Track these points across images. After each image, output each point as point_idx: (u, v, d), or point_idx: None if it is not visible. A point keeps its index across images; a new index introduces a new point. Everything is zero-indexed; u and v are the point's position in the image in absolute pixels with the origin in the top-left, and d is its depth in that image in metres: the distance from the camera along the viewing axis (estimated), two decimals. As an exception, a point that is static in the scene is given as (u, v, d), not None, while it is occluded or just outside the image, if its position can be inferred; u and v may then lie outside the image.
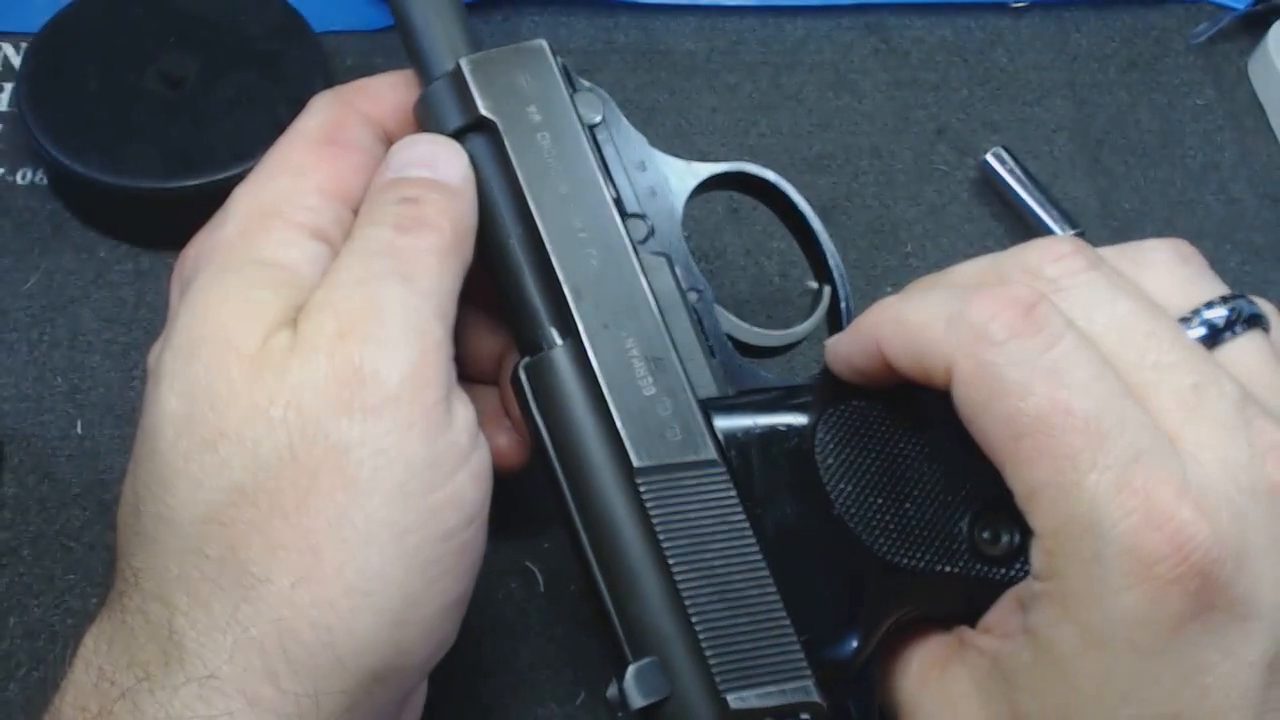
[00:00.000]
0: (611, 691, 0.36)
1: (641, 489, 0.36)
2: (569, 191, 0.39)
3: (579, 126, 0.41)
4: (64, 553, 0.49)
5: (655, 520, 0.36)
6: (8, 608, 0.48)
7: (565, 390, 0.38)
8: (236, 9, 0.59)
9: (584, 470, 0.37)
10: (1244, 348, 0.35)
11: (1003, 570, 0.36)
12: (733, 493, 0.37)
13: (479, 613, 0.48)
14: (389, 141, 0.41)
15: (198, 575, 0.32)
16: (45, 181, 0.58)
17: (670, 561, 0.35)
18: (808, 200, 0.45)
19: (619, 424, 0.37)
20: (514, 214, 0.39)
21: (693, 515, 0.36)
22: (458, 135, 0.40)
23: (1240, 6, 0.66)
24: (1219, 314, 0.35)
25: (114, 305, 0.55)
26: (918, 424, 0.38)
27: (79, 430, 0.52)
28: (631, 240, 0.40)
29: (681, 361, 0.38)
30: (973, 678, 0.35)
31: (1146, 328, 0.34)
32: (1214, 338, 0.35)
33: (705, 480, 0.37)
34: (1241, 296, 0.36)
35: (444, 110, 0.41)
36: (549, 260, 0.38)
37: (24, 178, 0.58)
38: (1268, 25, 0.64)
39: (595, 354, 0.37)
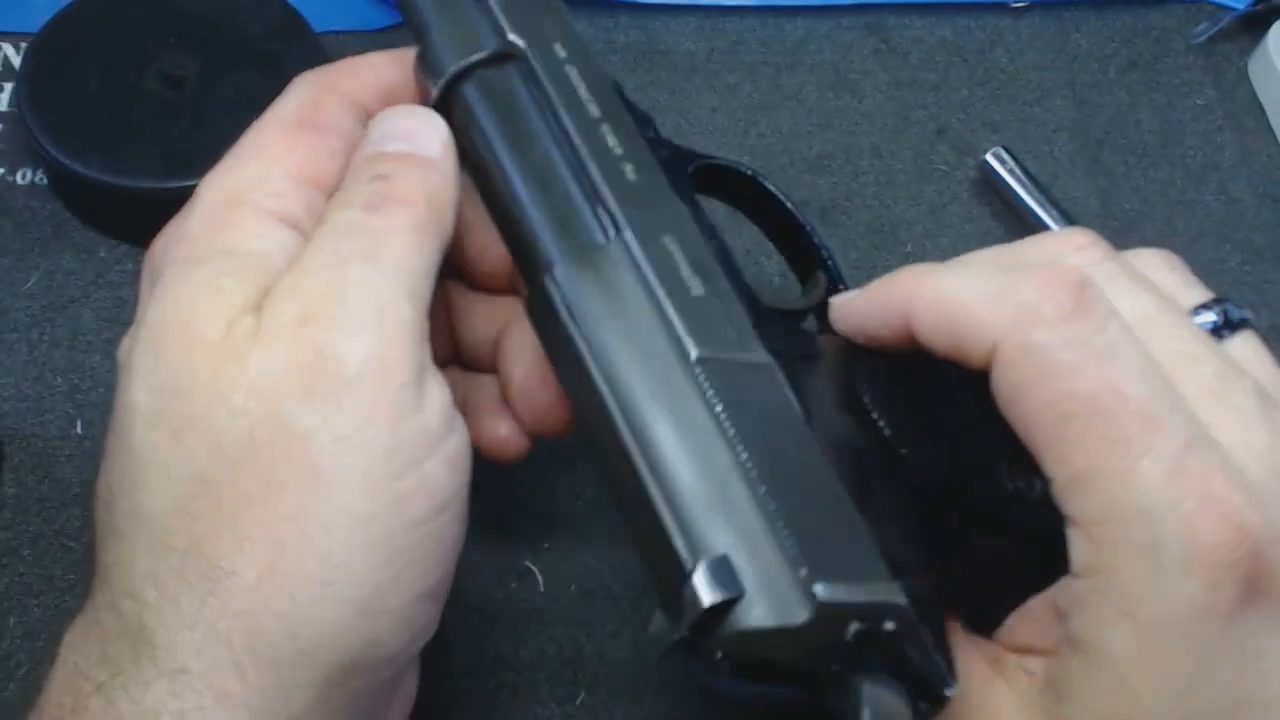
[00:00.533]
0: (656, 623, 0.32)
1: (701, 378, 0.34)
2: (600, 115, 0.39)
3: (601, 69, 0.41)
4: (64, 553, 0.49)
5: (720, 409, 0.33)
6: (8, 608, 0.48)
7: (613, 285, 0.36)
8: (237, 9, 0.59)
9: (632, 369, 0.34)
10: (1241, 346, 0.35)
11: (1039, 517, 0.34)
12: (791, 396, 0.35)
13: (479, 613, 0.48)
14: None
15: (165, 569, 0.32)
16: (45, 181, 0.58)
17: (739, 449, 0.33)
18: (808, 200, 0.45)
19: (673, 315, 0.35)
20: (550, 133, 0.39)
21: (755, 409, 0.34)
22: (474, 68, 0.39)
23: (1240, 6, 0.66)
24: (1212, 316, 0.36)
25: (114, 305, 0.55)
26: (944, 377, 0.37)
27: (79, 430, 0.52)
28: (662, 163, 0.39)
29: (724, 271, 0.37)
30: (1016, 697, 0.34)
31: (1170, 319, 0.34)
32: (1215, 335, 0.35)
33: (763, 379, 0.35)
34: (1229, 300, 0.36)
35: (463, 44, 0.39)
36: (587, 170, 0.38)
37: (24, 178, 0.58)
38: (1268, 25, 0.64)
39: (644, 250, 0.36)
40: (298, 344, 0.33)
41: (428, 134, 0.38)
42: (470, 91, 0.39)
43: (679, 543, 0.32)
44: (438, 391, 0.34)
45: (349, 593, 0.32)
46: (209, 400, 0.33)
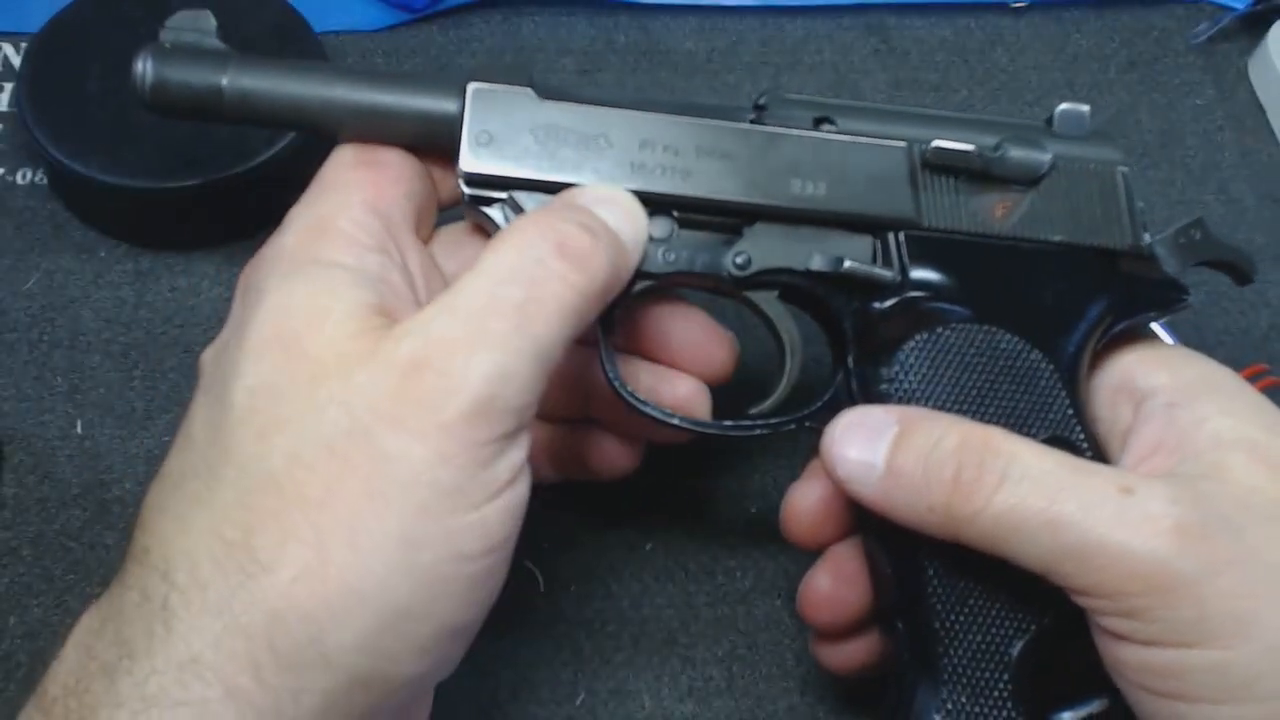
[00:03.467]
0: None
1: None
2: None
3: None
4: (64, 552, 0.49)
5: None
6: (8, 608, 0.48)
7: None
8: (237, 9, 0.59)
9: None
10: None
11: None
12: None
13: (479, 613, 0.48)
14: (420, 162, 0.41)
15: (206, 555, 0.33)
16: (45, 181, 0.58)
17: None
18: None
19: None
20: None
21: None
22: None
23: (1240, 6, 0.66)
24: None
25: (114, 305, 0.55)
26: None
27: (79, 430, 0.52)
28: None
29: None
30: None
31: None
32: None
33: None
34: None
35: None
36: None
37: (24, 178, 0.58)
38: (1268, 25, 0.64)
39: None
40: (408, 379, 0.34)
41: (634, 224, 0.39)
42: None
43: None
44: (518, 450, 0.35)
45: (381, 609, 0.33)
46: (302, 407, 0.34)
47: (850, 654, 0.44)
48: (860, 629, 0.43)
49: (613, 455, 0.46)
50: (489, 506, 0.34)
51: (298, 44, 0.58)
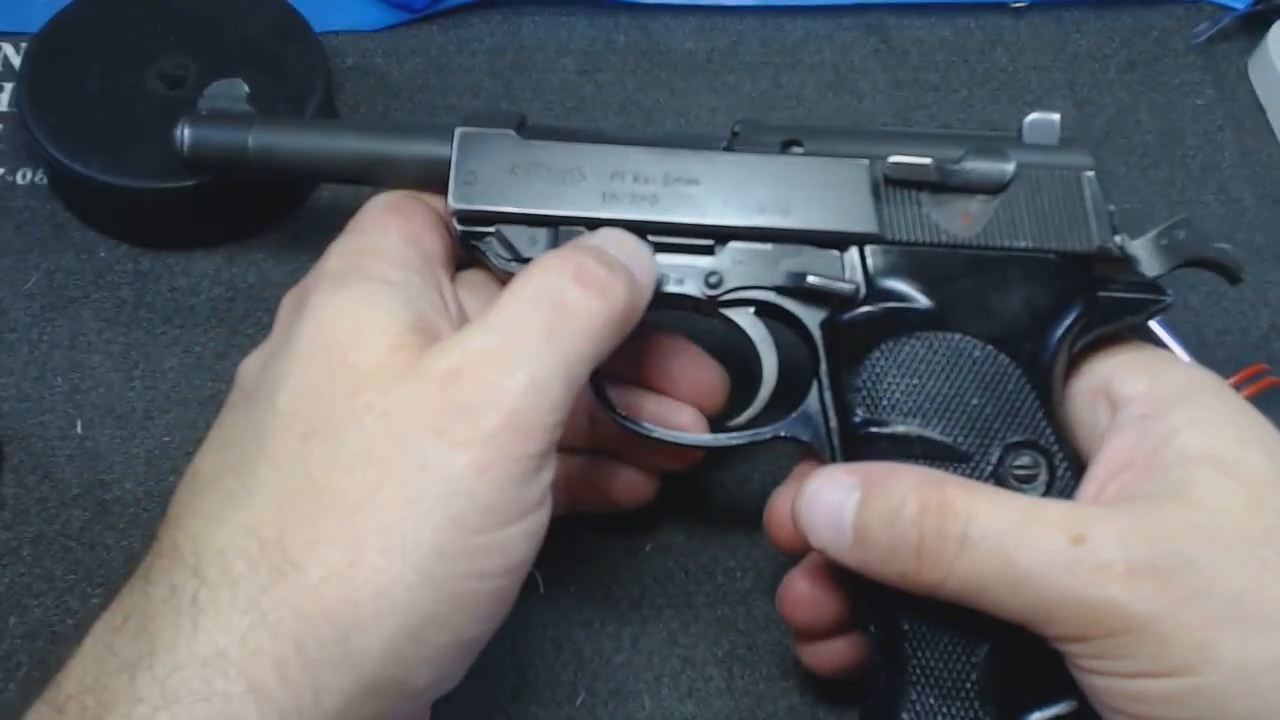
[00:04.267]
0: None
1: None
2: None
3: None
4: (64, 553, 0.49)
5: None
6: (8, 608, 0.48)
7: None
8: (236, 9, 0.59)
9: None
10: None
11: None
12: None
13: (479, 613, 0.48)
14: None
15: (239, 553, 0.34)
16: (45, 181, 0.58)
17: None
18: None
19: None
20: None
21: None
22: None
23: (1240, 6, 0.66)
24: None
25: (114, 305, 0.55)
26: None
27: (79, 430, 0.52)
28: None
29: None
30: None
31: None
32: None
33: None
34: None
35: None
36: None
37: (24, 178, 0.58)
38: (1268, 25, 0.64)
39: None
40: (447, 389, 0.35)
41: (642, 260, 0.41)
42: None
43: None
44: (548, 474, 0.36)
45: (407, 617, 0.34)
46: (344, 415, 0.35)
47: (830, 654, 0.45)
48: (840, 630, 0.44)
49: (628, 482, 0.48)
50: (516, 527, 0.35)
51: (298, 44, 0.58)
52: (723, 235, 0.43)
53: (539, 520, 0.36)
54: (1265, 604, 0.34)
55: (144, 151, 0.54)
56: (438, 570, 0.34)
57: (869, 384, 0.41)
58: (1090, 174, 0.43)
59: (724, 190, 0.42)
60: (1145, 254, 0.43)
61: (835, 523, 0.38)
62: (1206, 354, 0.54)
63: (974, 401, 0.40)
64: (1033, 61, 0.65)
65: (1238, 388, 0.49)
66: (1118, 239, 0.42)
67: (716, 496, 0.52)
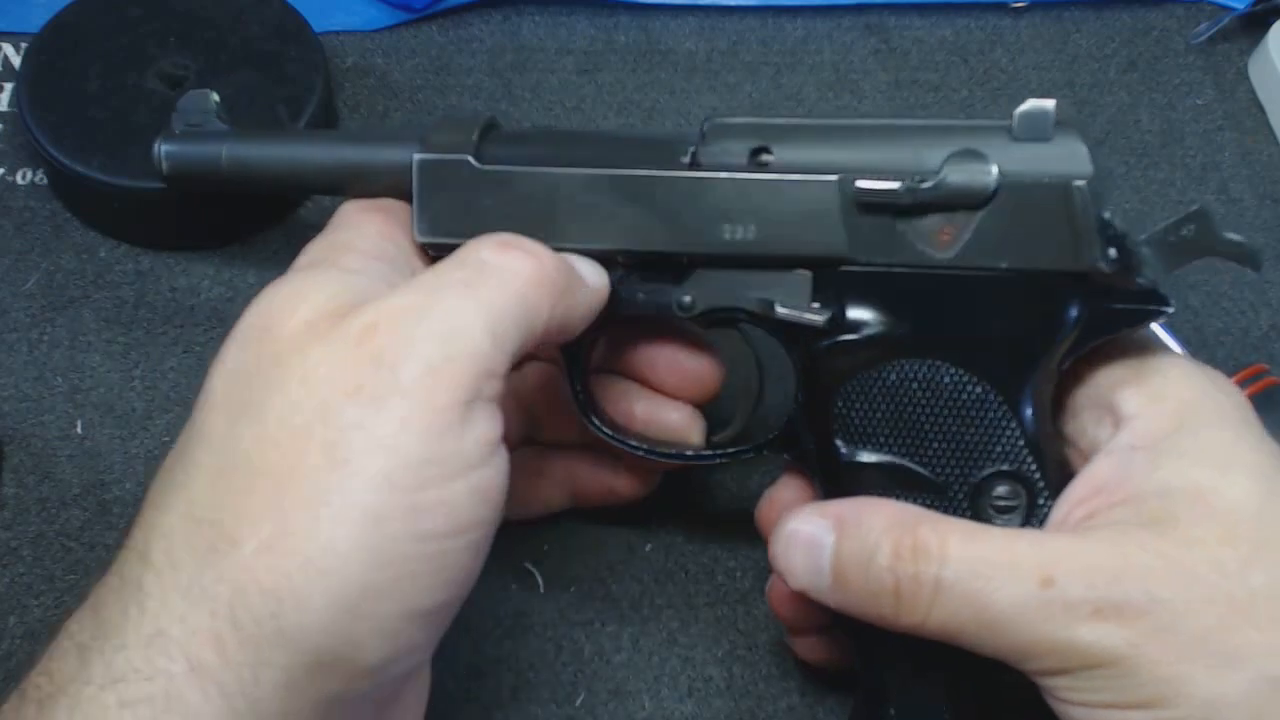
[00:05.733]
0: None
1: None
2: None
3: None
4: (64, 553, 0.49)
5: None
6: (8, 608, 0.48)
7: None
8: (236, 9, 0.59)
9: None
10: None
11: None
12: None
13: (479, 613, 0.48)
14: None
15: (180, 535, 0.34)
16: (45, 181, 0.58)
17: None
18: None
19: None
20: None
21: None
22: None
23: (1240, 6, 0.66)
24: None
25: (114, 305, 0.55)
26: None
27: (79, 430, 0.52)
28: None
29: None
30: None
31: None
32: None
33: None
34: None
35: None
36: None
37: (24, 178, 0.58)
38: (1268, 25, 0.64)
39: None
40: (361, 346, 0.35)
41: (588, 267, 0.41)
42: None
43: None
44: (484, 424, 0.36)
45: (342, 586, 0.33)
46: (267, 386, 0.35)
47: (822, 646, 0.45)
48: (829, 624, 0.44)
49: (629, 474, 0.48)
50: (457, 484, 0.34)
51: (297, 44, 0.58)
52: (688, 261, 0.41)
53: (486, 479, 0.35)
54: (1233, 641, 0.34)
55: (144, 151, 0.53)
56: (372, 535, 0.33)
57: (844, 412, 0.40)
58: (1080, 183, 0.38)
59: (689, 214, 0.41)
60: (1152, 253, 0.39)
61: (813, 566, 0.38)
62: (1207, 354, 0.54)
63: (953, 430, 0.39)
64: (1033, 61, 0.65)
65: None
66: (1112, 252, 0.39)
67: (716, 496, 0.52)
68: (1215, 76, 0.65)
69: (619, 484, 0.48)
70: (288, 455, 0.34)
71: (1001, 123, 0.40)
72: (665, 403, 0.46)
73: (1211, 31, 0.66)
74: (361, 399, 0.34)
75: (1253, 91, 0.65)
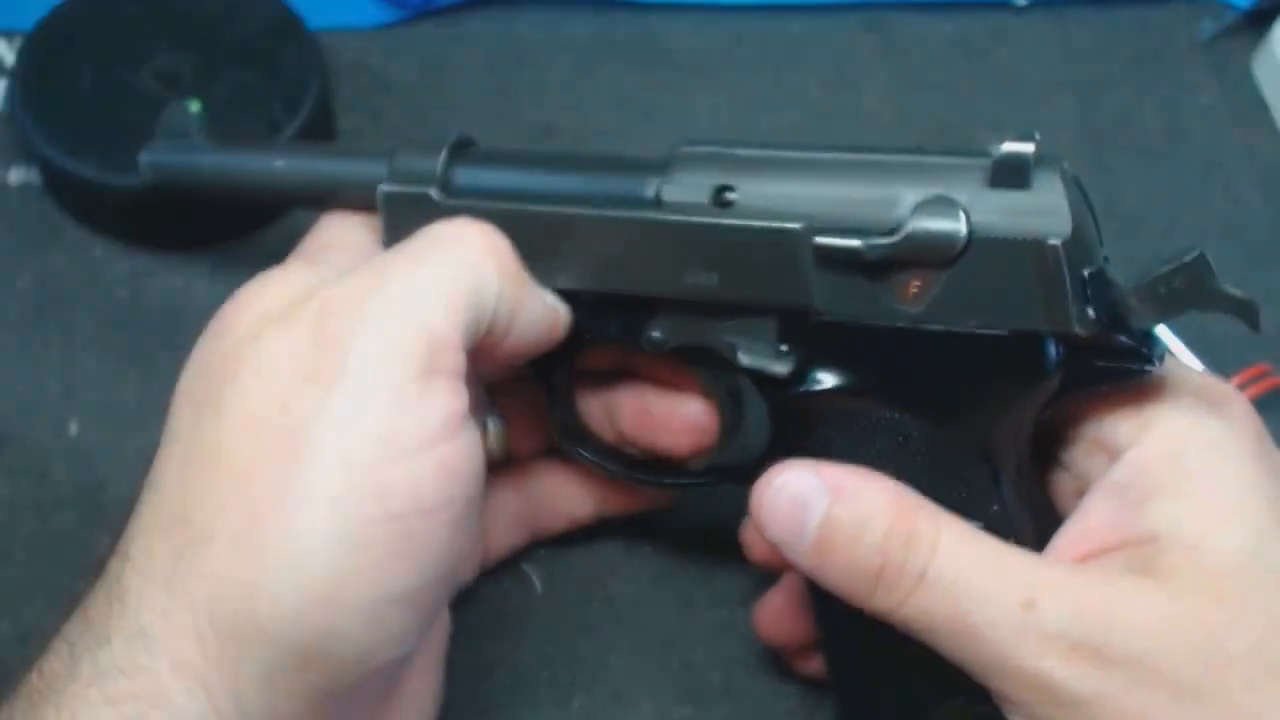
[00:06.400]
0: None
1: None
2: None
3: None
4: (58, 555, 0.49)
5: None
6: (0, 611, 0.47)
7: None
8: (232, 7, 0.59)
9: None
10: None
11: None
12: None
13: (478, 614, 0.48)
14: None
15: (158, 532, 0.34)
16: (39, 181, 0.58)
17: None
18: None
19: None
20: None
21: None
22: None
23: (1244, 4, 0.66)
24: None
25: (109, 305, 0.54)
26: None
27: (73, 431, 0.51)
28: None
29: None
30: None
31: None
32: None
33: None
34: None
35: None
36: None
37: (18, 176, 0.58)
38: (1272, 22, 0.64)
39: None
40: (314, 331, 0.35)
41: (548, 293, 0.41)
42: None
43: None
44: (445, 398, 0.35)
45: (314, 576, 0.33)
46: (224, 379, 0.35)
47: (818, 661, 0.45)
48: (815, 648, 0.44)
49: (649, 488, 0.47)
50: (422, 460, 0.34)
51: (293, 42, 0.58)
52: (651, 305, 0.41)
53: (452, 454, 0.35)
54: (1207, 702, 0.33)
55: (139, 150, 0.54)
56: (340, 520, 0.33)
57: (817, 455, 0.38)
58: (1055, 242, 0.35)
59: (650, 258, 0.39)
60: (1140, 304, 0.35)
61: (797, 523, 0.37)
62: (1210, 354, 0.54)
63: (922, 486, 0.37)
64: (1035, 59, 0.65)
65: (1241, 388, 0.48)
66: (1091, 311, 0.36)
67: (717, 497, 0.52)
68: (1219, 74, 0.65)
69: (645, 491, 0.48)
70: (250, 447, 0.34)
71: (979, 160, 0.37)
72: (680, 396, 0.45)
73: (1216, 29, 0.65)
74: (317, 383, 0.34)
75: (1257, 89, 0.64)
